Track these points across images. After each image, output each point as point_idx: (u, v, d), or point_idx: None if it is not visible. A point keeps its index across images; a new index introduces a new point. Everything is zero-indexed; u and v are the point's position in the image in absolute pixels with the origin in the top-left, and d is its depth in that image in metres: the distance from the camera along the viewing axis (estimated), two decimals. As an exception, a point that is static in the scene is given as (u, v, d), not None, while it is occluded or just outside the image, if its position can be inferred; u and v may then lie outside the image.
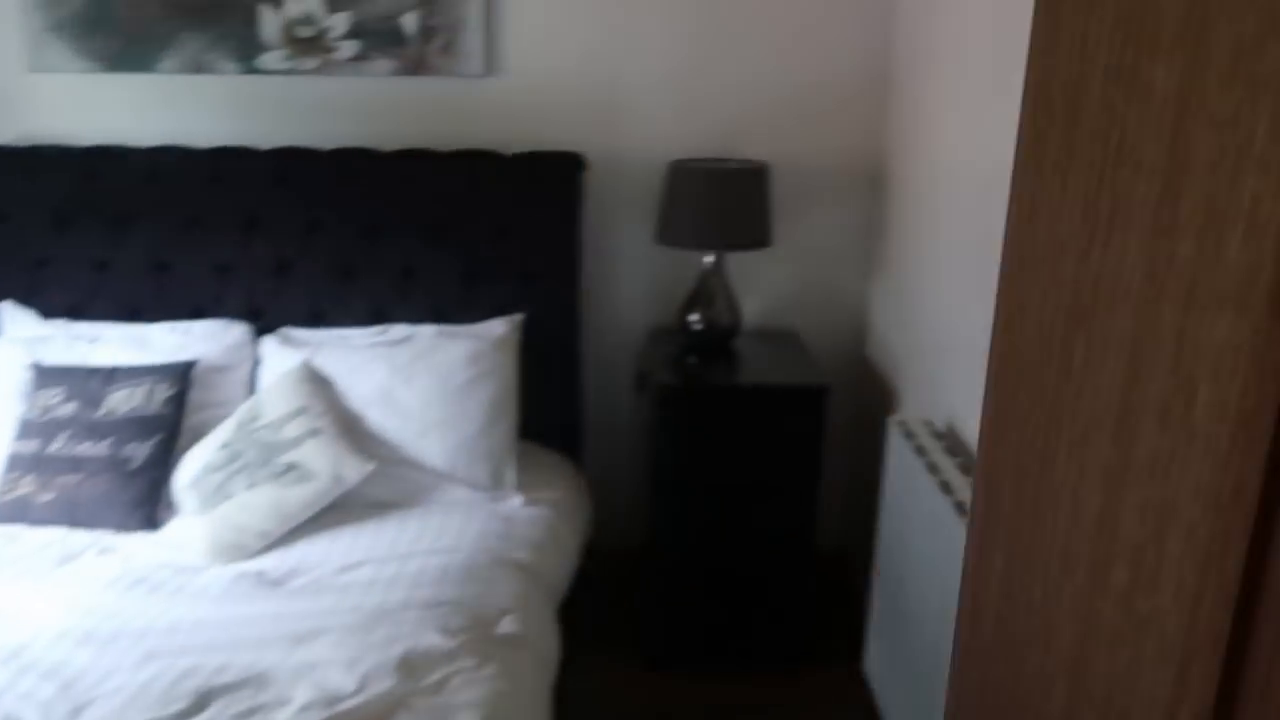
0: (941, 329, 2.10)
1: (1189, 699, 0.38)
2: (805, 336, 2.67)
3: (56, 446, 2.10)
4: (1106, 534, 0.42)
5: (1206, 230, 0.34)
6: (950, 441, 1.93)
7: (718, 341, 2.53)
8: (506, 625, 1.76)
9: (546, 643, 1.86)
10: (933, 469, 1.81)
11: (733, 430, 2.29)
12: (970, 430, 1.90)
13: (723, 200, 2.39)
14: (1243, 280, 0.33)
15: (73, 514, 2.05)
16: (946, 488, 1.72)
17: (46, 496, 2.06)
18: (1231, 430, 0.34)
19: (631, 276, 2.68)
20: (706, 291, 2.50)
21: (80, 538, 2.02)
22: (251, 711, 1.49)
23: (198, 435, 2.18)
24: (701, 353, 2.51)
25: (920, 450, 1.90)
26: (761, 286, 2.68)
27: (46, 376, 2.21)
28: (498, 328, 2.36)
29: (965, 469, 1.78)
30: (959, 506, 1.63)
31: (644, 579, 2.48)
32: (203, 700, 1.51)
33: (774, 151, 2.55)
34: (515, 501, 2.20)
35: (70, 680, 1.56)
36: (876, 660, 2.21)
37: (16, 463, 2.11)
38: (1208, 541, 0.36)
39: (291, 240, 2.43)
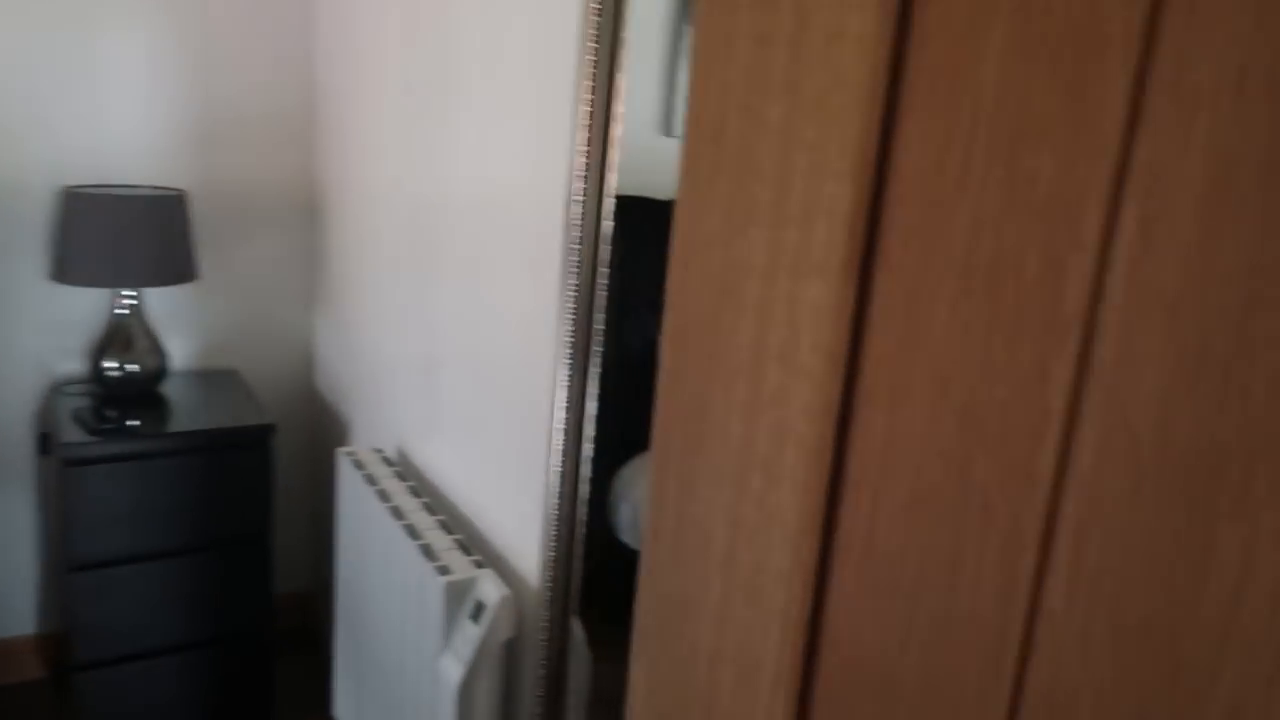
0: (384, 355, 2.11)
1: (801, 568, 0.51)
2: (246, 374, 2.51)
3: None
4: (746, 451, 0.55)
5: (804, 221, 0.49)
6: (400, 467, 1.94)
7: (142, 388, 2.25)
8: None
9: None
10: (384, 495, 1.79)
11: (161, 486, 2.05)
12: (419, 453, 1.93)
13: (133, 231, 2.12)
14: (825, 256, 0.47)
15: None
16: (398, 513, 1.71)
17: None
18: (823, 364, 0.48)
19: (27, 320, 2.27)
20: (122, 333, 2.21)
21: None
22: None
23: None
24: (122, 404, 2.21)
25: (371, 479, 1.87)
26: (191, 324, 2.45)
27: None
28: None
29: (415, 491, 1.80)
30: (410, 530, 1.64)
31: (66, 673, 2.10)
32: None
33: (194, 179, 2.35)
34: None
35: None
36: (345, 705, 2.13)
37: None
38: (813, 445, 0.49)
39: None
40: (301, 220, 2.53)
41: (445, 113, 1.72)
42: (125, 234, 2.12)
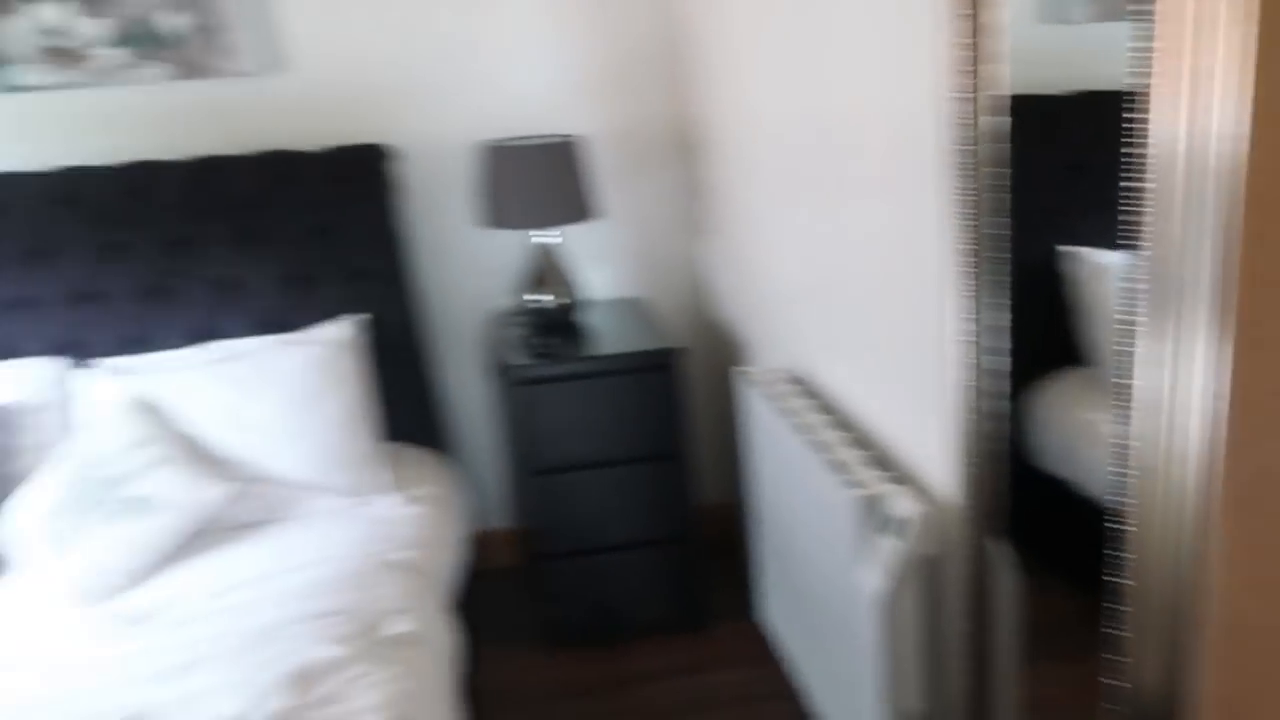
0: (775, 279, 2.20)
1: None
2: (650, 303, 2.74)
3: None
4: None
5: None
6: (801, 386, 2.05)
7: (561, 317, 2.56)
8: (397, 625, 1.75)
9: (441, 638, 1.86)
10: (788, 413, 1.91)
11: (590, 403, 2.32)
12: (819, 373, 2.01)
13: (542, 177, 2.38)
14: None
15: (-111, 590, 1.87)
16: (803, 429, 1.83)
17: None
18: None
19: (467, 261, 2.66)
20: (541, 269, 2.52)
21: (-99, 613, 1.85)
22: (140, 759, 1.42)
23: (17, 482, 2.02)
24: (547, 330, 2.52)
25: (773, 397, 2.00)
26: (599, 258, 2.72)
27: None
28: (336, 330, 2.30)
29: (819, 410, 1.90)
30: (816, 446, 1.74)
31: (533, 562, 2.49)
32: (86, 756, 1.43)
33: (588, 125, 2.59)
34: (387, 503, 2.17)
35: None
36: (771, 607, 2.30)
37: None
38: None
39: (91, 265, 2.27)
40: (682, 155, 2.70)
41: (814, 31, 1.72)
42: (538, 180, 2.39)
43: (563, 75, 2.57)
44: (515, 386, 2.29)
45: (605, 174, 2.62)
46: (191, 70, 2.37)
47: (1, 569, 1.97)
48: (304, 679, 1.57)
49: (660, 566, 2.46)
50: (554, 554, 2.40)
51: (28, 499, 1.98)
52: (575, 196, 2.43)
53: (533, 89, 2.57)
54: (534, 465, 2.33)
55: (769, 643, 2.37)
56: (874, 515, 1.54)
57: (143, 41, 2.33)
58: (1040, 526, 1.39)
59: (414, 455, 2.40)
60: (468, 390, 2.76)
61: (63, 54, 2.31)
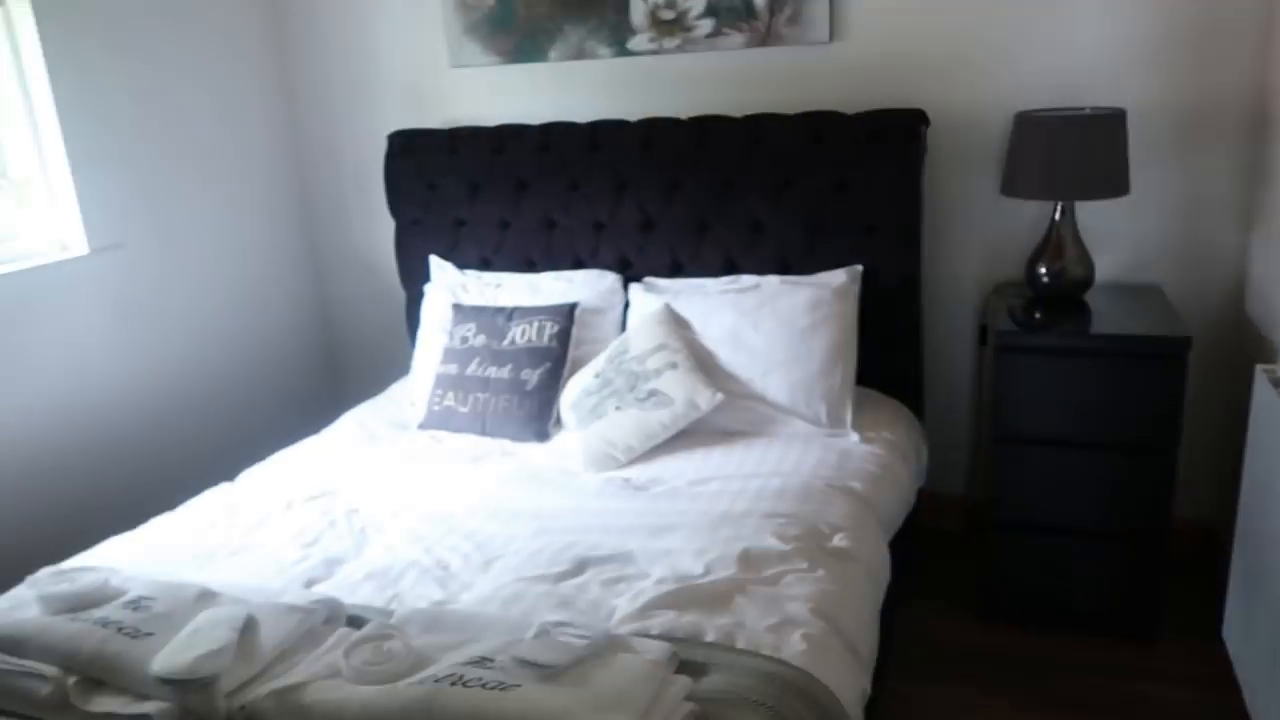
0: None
1: None
2: (1167, 291, 2.53)
3: (471, 369, 2.56)
4: None
5: None
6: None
7: (1067, 294, 2.47)
8: (839, 540, 1.91)
9: (877, 562, 1.98)
10: (1303, 415, 1.68)
11: (1079, 382, 2.24)
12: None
13: (1073, 149, 2.32)
14: None
15: (483, 423, 2.50)
16: None
17: (463, 409, 2.53)
18: None
19: (977, 229, 2.69)
20: (1056, 243, 2.45)
21: (488, 444, 2.46)
22: (618, 579, 1.77)
23: (578, 365, 2.55)
24: (1049, 306, 2.46)
25: (1291, 398, 1.77)
26: (1116, 238, 2.57)
27: (463, 314, 2.69)
28: (838, 278, 2.50)
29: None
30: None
31: (983, 529, 2.49)
32: (580, 566, 1.82)
33: (1133, 97, 2.44)
34: (852, 438, 2.33)
35: (482, 542, 1.95)
36: (1237, 629, 2.07)
37: (441, 381, 2.60)
38: None
39: (655, 199, 2.73)
40: (1242, 134, 2.41)
41: None
42: (1067, 151, 2.32)
43: (1116, 44, 2.45)
44: (1004, 352, 2.30)
45: (1144, 149, 2.45)
46: (765, 38, 2.71)
47: (556, 431, 2.51)
48: (751, 560, 1.80)
49: (1117, 563, 2.31)
50: (1006, 524, 2.38)
51: (577, 379, 2.50)
52: (1106, 171, 2.33)
53: (1079, 58, 2.49)
54: (1005, 432, 2.32)
55: (1226, 667, 2.11)
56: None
57: (728, 14, 2.73)
58: None
59: (884, 402, 2.52)
60: (949, 354, 2.80)
61: (665, 24, 2.79)
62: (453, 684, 1.28)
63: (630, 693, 1.29)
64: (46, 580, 1.68)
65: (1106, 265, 2.55)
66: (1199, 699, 2.13)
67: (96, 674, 1.44)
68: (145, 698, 1.40)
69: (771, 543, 1.86)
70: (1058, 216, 2.44)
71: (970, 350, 2.79)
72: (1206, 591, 2.44)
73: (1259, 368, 1.95)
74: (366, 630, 1.48)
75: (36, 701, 1.41)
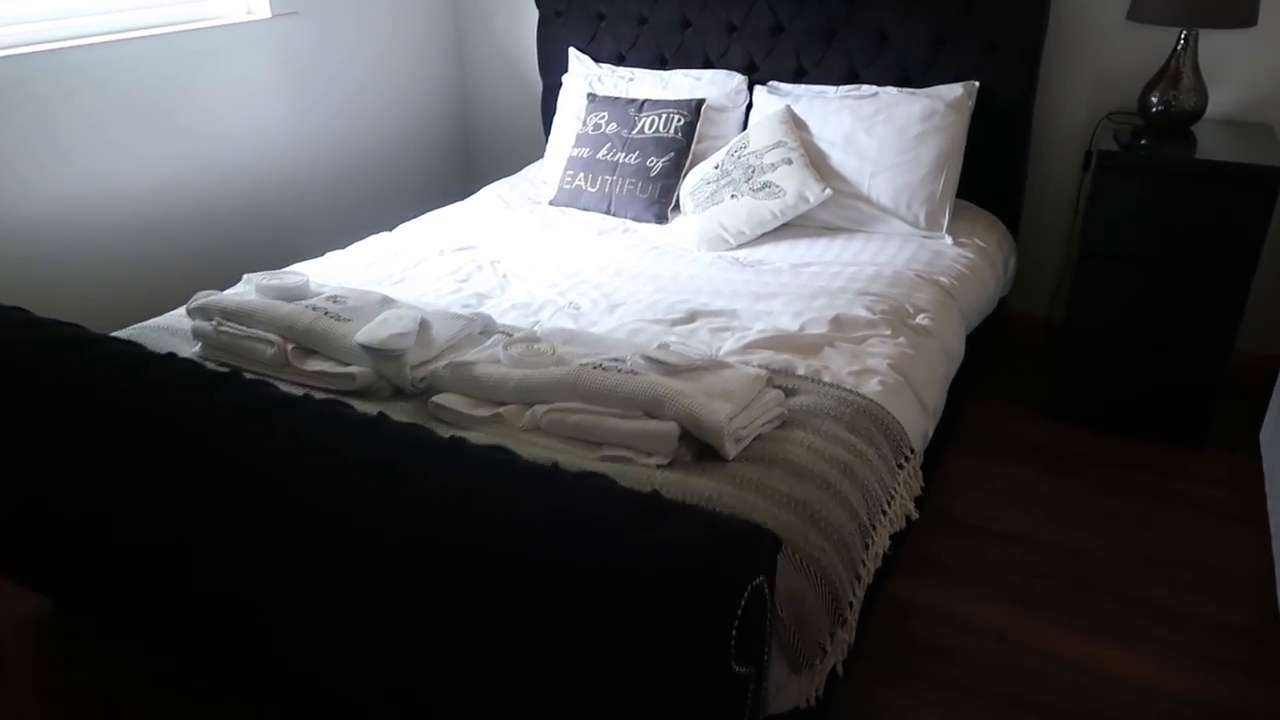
0: None
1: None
2: (1279, 131, 2.59)
3: (601, 154, 2.82)
4: None
5: None
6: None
7: (1177, 125, 2.55)
8: (922, 319, 2.15)
9: (954, 344, 2.22)
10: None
11: (1169, 205, 2.37)
12: None
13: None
14: None
15: (609, 203, 2.77)
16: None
17: (592, 190, 2.80)
18: None
19: (1096, 53, 2.75)
20: (1173, 71, 2.52)
21: (612, 221, 2.74)
22: (724, 329, 2.06)
23: (699, 158, 2.77)
24: (1157, 135, 2.55)
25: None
26: (1235, 73, 2.61)
27: (597, 104, 2.92)
28: (954, 91, 2.63)
29: None
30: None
31: (1053, 342, 2.68)
32: (692, 316, 2.11)
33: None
34: (946, 241, 2.53)
35: (609, 292, 2.25)
36: (1271, 439, 2.26)
37: (573, 163, 2.86)
38: None
39: (786, 5, 2.85)
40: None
41: None
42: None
43: None
44: (1106, 171, 2.42)
45: (1280, -18, 2.46)
46: None
47: (675, 216, 2.76)
48: (842, 323, 2.07)
49: (1182, 377, 2.50)
50: (1078, 333, 2.57)
51: (698, 170, 2.73)
52: None
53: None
54: (1091, 249, 2.48)
55: (1259, 479, 2.34)
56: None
57: None
58: None
59: (981, 215, 2.71)
60: (1053, 176, 2.91)
61: None
62: (594, 368, 1.60)
63: (735, 389, 1.60)
64: (260, 278, 2.05)
65: (1221, 99, 2.61)
66: (1228, 497, 2.36)
67: (310, 344, 1.81)
68: (348, 365, 1.77)
69: (861, 312, 2.11)
70: (1180, 46, 2.50)
71: (1074, 175, 2.90)
72: (1257, 416, 2.63)
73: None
74: (519, 335, 1.81)
75: (264, 360, 1.80)
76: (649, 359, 1.64)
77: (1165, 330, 2.48)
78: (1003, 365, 2.97)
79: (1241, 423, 2.63)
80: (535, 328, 2.04)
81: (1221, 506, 2.33)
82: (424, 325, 1.81)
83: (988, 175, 2.73)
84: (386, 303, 1.93)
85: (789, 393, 1.76)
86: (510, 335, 1.86)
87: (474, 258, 2.47)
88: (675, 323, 2.08)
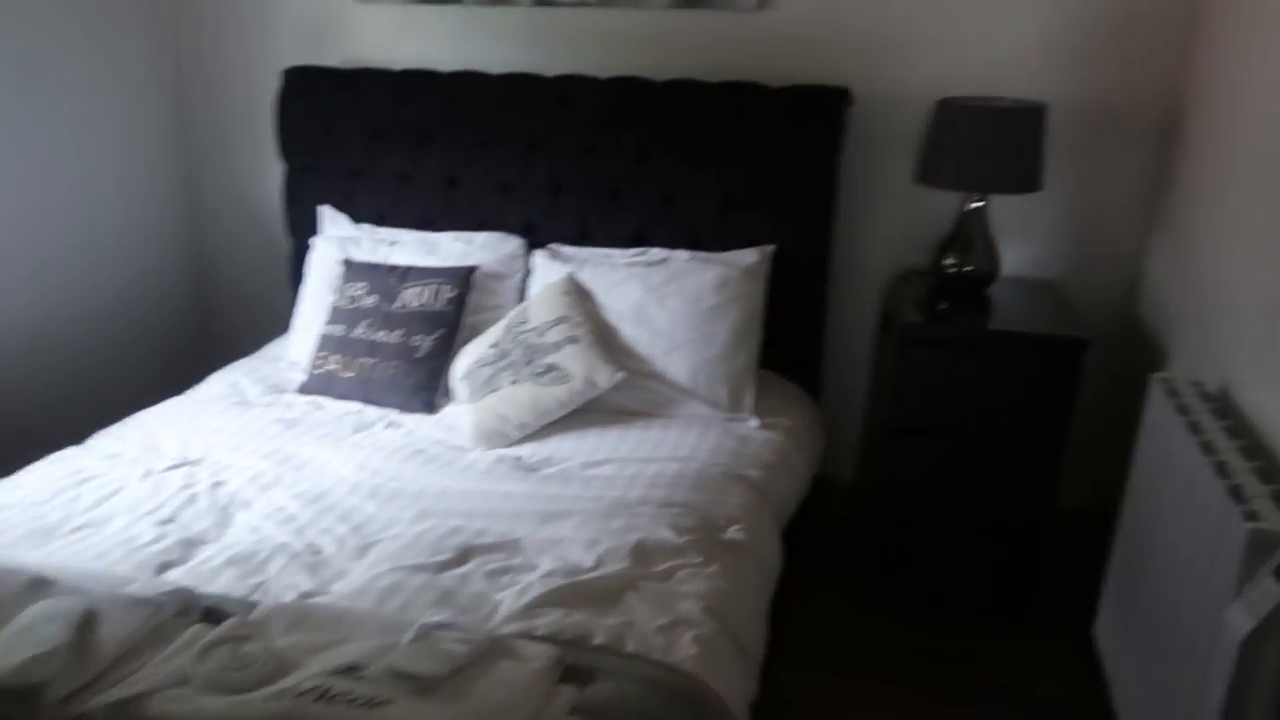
0: (1226, 288, 1.95)
1: None
2: (1067, 289, 2.55)
3: (359, 332, 2.41)
4: None
5: None
6: (1220, 404, 1.80)
7: (972, 287, 2.47)
8: (733, 532, 1.86)
9: (770, 555, 1.95)
10: (1195, 429, 1.70)
11: (979, 377, 2.24)
12: (1246, 394, 1.76)
13: (992, 141, 2.30)
14: None
15: (367, 391, 2.35)
16: (1208, 448, 1.61)
17: (348, 374, 2.38)
18: None
19: (888, 216, 2.65)
20: (965, 234, 2.44)
21: (372, 413, 2.32)
22: (504, 571, 1.68)
23: (473, 333, 2.42)
24: (953, 297, 2.45)
25: (1184, 410, 1.78)
26: (1025, 233, 2.57)
27: (354, 271, 2.52)
28: (748, 257, 2.43)
29: (1233, 432, 1.66)
30: (1219, 468, 1.53)
31: (871, 516, 2.49)
32: (464, 556, 1.71)
33: (1051, 89, 2.42)
34: (751, 424, 2.28)
35: (360, 525, 1.83)
36: (1109, 626, 2.12)
37: (326, 343, 2.44)
38: None
39: (567, 162, 2.60)
40: (1154, 136, 2.43)
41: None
42: (985, 143, 2.30)
43: (1039, 37, 2.43)
44: (908, 343, 2.28)
45: (1057, 145, 2.43)
46: (693, 0, 2.58)
47: (445, 403, 2.38)
48: (645, 551, 1.74)
49: (1001, 553, 2.35)
50: (895, 512, 2.39)
51: (471, 348, 2.37)
52: (1022, 166, 2.31)
53: (1002, 49, 2.46)
54: (901, 422, 2.31)
55: (1098, 660, 2.17)
56: (1260, 550, 1.33)
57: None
58: None
59: (785, 387, 2.49)
60: (852, 338, 2.77)
61: (585, -24, 2.64)
62: (317, 698, 1.18)
63: (515, 700, 1.21)
64: None
65: (1011, 259, 2.54)
66: (1070, 690, 2.17)
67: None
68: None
69: (665, 534, 1.79)
70: (969, 208, 2.42)
71: (871, 336, 2.77)
72: (1082, 587, 2.49)
73: (1154, 377, 1.97)
74: (222, 629, 1.36)
75: None
76: (397, 672, 1.23)
77: (981, 506, 2.32)
78: (810, 534, 2.72)
79: (1071, 596, 2.48)
80: (255, 594, 1.58)
81: (1074, 699, 2.15)
82: (87, 625, 1.32)
83: (787, 341, 2.53)
84: (37, 588, 1.42)
85: (585, 676, 1.39)
86: (212, 625, 1.40)
87: (190, 478, 1.98)
88: (443, 566, 1.68)
